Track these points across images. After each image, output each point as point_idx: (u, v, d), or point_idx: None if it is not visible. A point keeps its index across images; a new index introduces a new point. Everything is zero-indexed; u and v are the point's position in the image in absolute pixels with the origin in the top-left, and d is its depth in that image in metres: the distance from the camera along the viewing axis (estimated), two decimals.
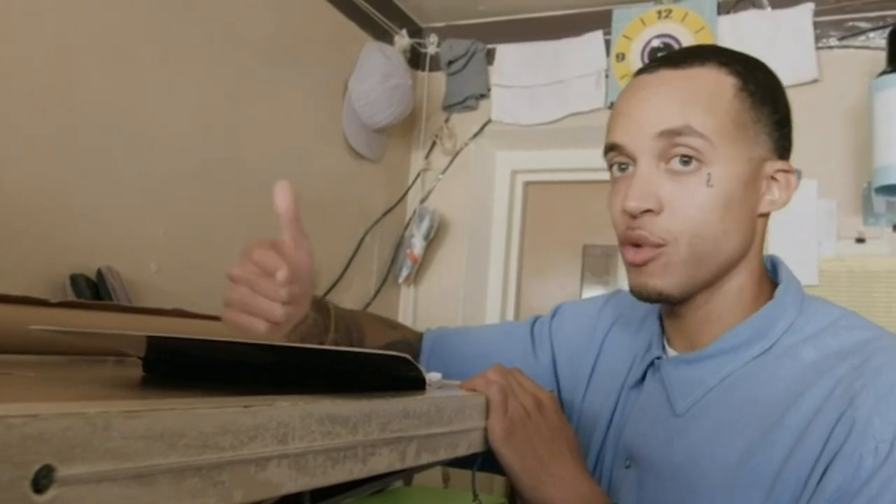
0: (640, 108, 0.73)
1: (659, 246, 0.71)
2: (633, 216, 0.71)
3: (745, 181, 0.71)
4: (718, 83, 0.71)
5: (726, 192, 0.70)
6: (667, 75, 0.73)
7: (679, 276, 0.71)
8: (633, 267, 0.74)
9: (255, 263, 0.71)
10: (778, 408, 0.68)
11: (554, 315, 1.00)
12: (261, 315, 0.71)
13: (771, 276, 0.79)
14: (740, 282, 0.75)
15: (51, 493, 0.30)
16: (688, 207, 0.70)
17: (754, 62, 0.76)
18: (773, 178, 0.74)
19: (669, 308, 0.79)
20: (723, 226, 0.70)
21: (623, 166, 0.75)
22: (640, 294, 0.74)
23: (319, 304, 0.85)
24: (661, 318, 0.82)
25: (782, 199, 0.74)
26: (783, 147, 0.75)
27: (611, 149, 0.75)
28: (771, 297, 0.75)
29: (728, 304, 0.75)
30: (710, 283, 0.74)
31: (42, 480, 0.29)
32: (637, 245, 0.72)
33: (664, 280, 0.71)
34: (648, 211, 0.70)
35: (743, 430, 0.69)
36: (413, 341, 1.03)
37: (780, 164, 0.74)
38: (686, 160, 0.70)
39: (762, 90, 0.73)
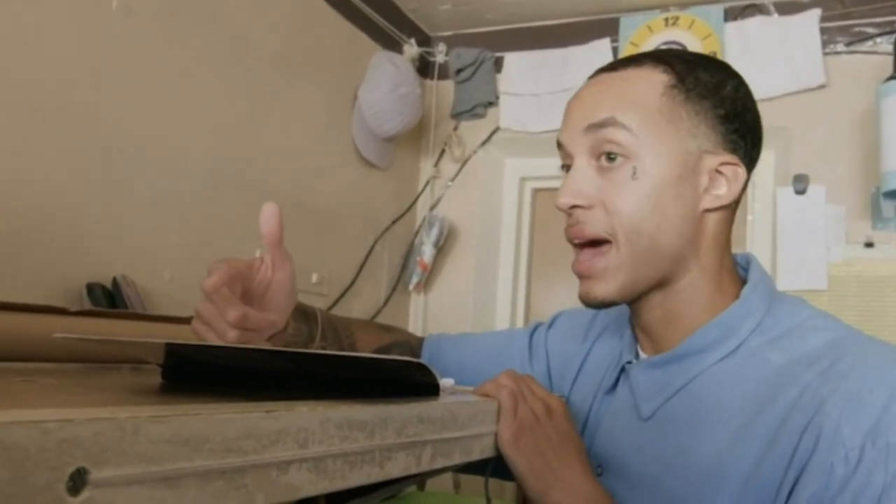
0: (574, 108, 0.76)
1: (602, 241, 0.72)
2: (568, 213, 0.74)
3: (676, 175, 0.71)
4: (650, 80, 0.73)
5: (654, 185, 0.71)
6: (603, 78, 0.76)
7: (620, 279, 0.72)
8: (578, 276, 0.76)
9: (215, 299, 0.72)
10: (746, 413, 0.68)
11: (552, 324, 1.01)
12: (218, 334, 0.73)
13: (744, 274, 0.78)
14: (693, 279, 0.74)
15: (84, 494, 0.30)
16: (616, 201, 0.71)
17: (703, 60, 0.76)
18: (718, 171, 0.73)
19: (632, 312, 0.80)
20: (655, 219, 0.71)
21: (567, 167, 0.77)
22: (585, 302, 0.75)
23: (306, 313, 0.85)
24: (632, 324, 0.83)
25: (730, 193, 0.73)
26: (733, 142, 0.73)
27: (558, 147, 0.78)
28: (737, 296, 0.75)
29: (684, 303, 0.75)
30: (658, 282, 0.74)
31: (76, 483, 0.30)
32: (575, 239, 0.74)
33: (606, 286, 0.73)
34: (579, 206, 0.73)
35: (711, 435, 0.69)
36: (413, 343, 1.03)
37: (724, 157, 0.73)
38: (612, 156, 0.71)
39: (701, 86, 0.72)
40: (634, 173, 0.71)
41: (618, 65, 0.76)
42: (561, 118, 0.78)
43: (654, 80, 0.73)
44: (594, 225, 0.72)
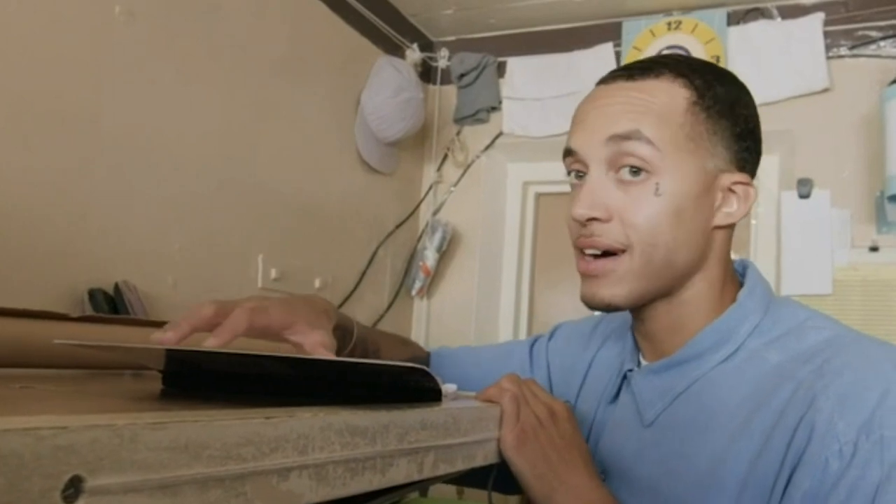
0: (593, 116, 0.74)
1: (614, 252, 0.71)
2: (583, 224, 0.72)
3: (696, 193, 0.71)
4: (672, 95, 0.72)
5: (675, 203, 0.70)
6: (622, 86, 0.73)
7: (629, 286, 0.72)
8: (584, 276, 0.75)
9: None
10: (744, 412, 0.68)
11: (552, 336, 1.01)
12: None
13: (742, 280, 0.79)
14: (698, 291, 0.75)
15: (80, 502, 0.30)
16: (636, 217, 0.70)
17: (716, 74, 0.75)
18: (730, 189, 0.74)
19: (635, 320, 0.80)
20: (673, 236, 0.71)
21: (580, 174, 0.75)
22: (588, 303, 0.75)
23: (344, 329, 0.84)
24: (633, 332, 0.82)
25: (740, 211, 0.74)
26: (743, 160, 0.74)
27: (567, 154, 0.76)
28: (735, 300, 0.75)
29: (689, 313, 0.75)
30: (665, 293, 0.74)
31: (72, 491, 0.30)
32: (587, 249, 0.73)
33: (613, 290, 0.72)
34: (596, 219, 0.71)
35: (711, 438, 0.69)
36: (423, 358, 1.04)
37: (737, 177, 0.73)
38: (635, 170, 0.70)
39: (720, 103, 0.73)
40: (657, 190, 0.70)
41: (635, 73, 0.74)
42: (563, 122, 0.77)
43: (676, 94, 0.72)
44: (609, 237, 0.71)
